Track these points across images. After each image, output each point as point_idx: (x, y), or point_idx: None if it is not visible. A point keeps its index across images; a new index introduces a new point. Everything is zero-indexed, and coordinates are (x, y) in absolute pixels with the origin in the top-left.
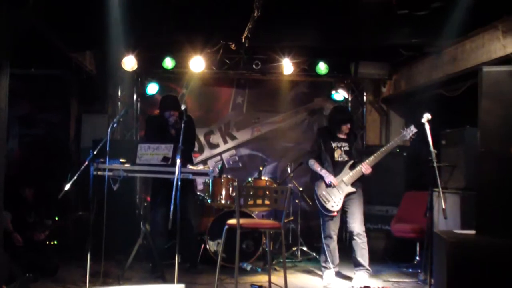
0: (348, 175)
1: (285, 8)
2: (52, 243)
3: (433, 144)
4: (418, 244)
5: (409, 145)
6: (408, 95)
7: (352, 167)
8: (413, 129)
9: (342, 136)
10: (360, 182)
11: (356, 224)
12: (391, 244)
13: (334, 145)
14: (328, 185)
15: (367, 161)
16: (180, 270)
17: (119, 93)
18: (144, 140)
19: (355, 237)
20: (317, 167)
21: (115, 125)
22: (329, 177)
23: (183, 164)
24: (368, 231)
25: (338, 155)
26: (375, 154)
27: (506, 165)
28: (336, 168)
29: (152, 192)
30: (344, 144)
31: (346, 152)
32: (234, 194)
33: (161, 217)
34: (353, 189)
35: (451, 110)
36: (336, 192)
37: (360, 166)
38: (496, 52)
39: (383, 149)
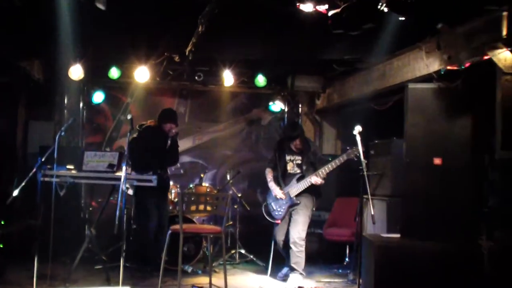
0: (294, 188)
1: (228, 23)
2: None
3: (363, 154)
4: (348, 247)
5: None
6: (340, 108)
7: (299, 180)
8: (357, 149)
9: (295, 149)
10: (310, 192)
11: (294, 233)
12: (323, 247)
13: (288, 158)
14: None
15: (317, 173)
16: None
17: (65, 101)
18: (134, 147)
19: (291, 245)
20: (268, 178)
21: (63, 133)
22: (274, 190)
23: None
24: None
25: (291, 168)
26: (325, 167)
27: (429, 174)
28: (287, 180)
29: (138, 200)
30: (297, 157)
31: (298, 165)
32: (176, 199)
33: (155, 225)
34: (297, 201)
35: (380, 123)
36: (282, 202)
37: (309, 178)
38: (420, 70)
39: (333, 163)
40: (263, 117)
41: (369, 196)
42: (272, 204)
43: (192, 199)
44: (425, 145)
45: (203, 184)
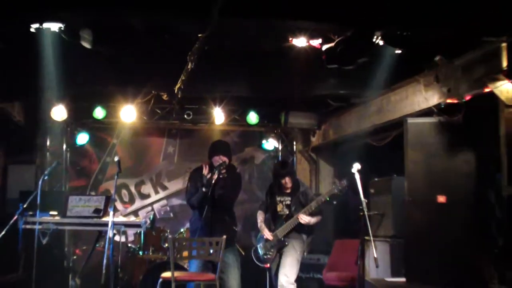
0: (281, 228)
1: (217, 60)
2: None
3: (363, 193)
4: None
5: (340, 194)
6: (337, 144)
7: (287, 219)
8: (344, 183)
9: (285, 190)
10: (299, 232)
11: (281, 276)
12: None
13: (278, 199)
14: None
15: (304, 210)
16: None
17: (48, 143)
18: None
19: None
20: (258, 220)
21: (46, 177)
22: (263, 231)
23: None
24: (300, 280)
25: (280, 209)
26: (309, 206)
27: (432, 213)
28: (277, 222)
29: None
30: (286, 198)
31: (287, 206)
32: (166, 245)
33: None
34: (285, 243)
35: (378, 159)
36: (270, 244)
37: (296, 216)
38: (419, 104)
39: (320, 198)
40: (256, 156)
41: (371, 238)
42: (261, 247)
43: (184, 244)
44: (427, 182)
45: None
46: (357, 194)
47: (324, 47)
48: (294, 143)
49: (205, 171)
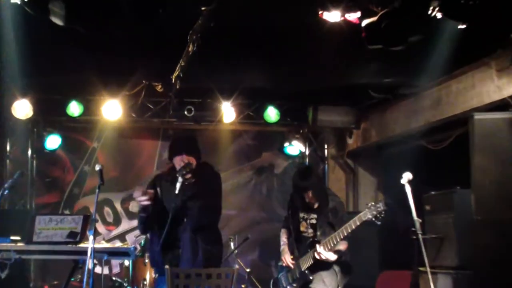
0: (305, 258)
1: (227, 41)
2: None
3: (415, 210)
4: None
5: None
6: (381, 148)
7: (311, 247)
8: (380, 207)
9: (310, 205)
10: (331, 265)
11: None
12: None
13: (301, 215)
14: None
15: (321, 244)
16: None
17: (8, 148)
18: None
19: None
20: (282, 242)
21: (6, 192)
22: (283, 256)
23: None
24: None
25: (304, 229)
26: (332, 236)
27: (508, 237)
28: (301, 245)
29: None
30: (312, 215)
31: (312, 225)
32: None
33: None
34: (309, 278)
35: (435, 167)
36: (291, 275)
37: (313, 251)
38: (489, 95)
39: (341, 231)
40: (276, 163)
41: (428, 269)
42: (282, 278)
43: (185, 278)
44: (500, 196)
45: None
46: (408, 212)
47: (364, 23)
48: (325, 146)
49: (138, 192)
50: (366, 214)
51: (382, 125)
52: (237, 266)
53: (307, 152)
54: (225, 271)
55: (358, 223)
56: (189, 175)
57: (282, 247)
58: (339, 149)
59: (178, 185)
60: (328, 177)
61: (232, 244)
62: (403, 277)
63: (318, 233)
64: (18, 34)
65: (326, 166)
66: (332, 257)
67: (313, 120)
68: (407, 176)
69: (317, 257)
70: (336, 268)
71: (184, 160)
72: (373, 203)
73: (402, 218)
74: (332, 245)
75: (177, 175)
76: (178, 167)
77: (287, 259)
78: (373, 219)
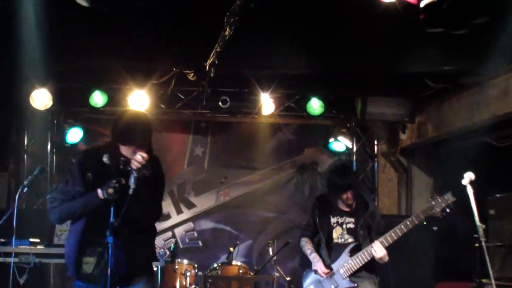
0: (346, 264)
1: (265, 24)
2: None
3: (478, 215)
4: None
5: (440, 216)
6: (439, 145)
7: (354, 252)
8: (449, 198)
9: (345, 207)
10: (370, 272)
11: None
12: None
13: (333, 220)
14: (318, 275)
15: (380, 240)
16: None
17: (25, 142)
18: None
19: None
20: (307, 249)
21: (25, 189)
22: (317, 264)
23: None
24: None
25: (338, 235)
26: (392, 232)
27: None
28: (334, 253)
29: None
30: (348, 219)
31: (349, 230)
32: (193, 287)
33: None
34: (353, 284)
35: (501, 166)
36: (327, 286)
37: (370, 248)
38: None
39: (402, 226)
40: (320, 160)
41: (492, 281)
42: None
43: (220, 284)
44: None
45: (234, 262)
46: (469, 216)
47: (423, 3)
48: (375, 142)
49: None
50: (431, 208)
51: (440, 118)
52: (277, 274)
53: (354, 149)
54: (264, 279)
55: (422, 217)
56: (148, 173)
57: (311, 255)
58: (390, 146)
59: (132, 179)
60: (378, 177)
61: (270, 250)
62: None
63: (360, 234)
64: (39, 18)
65: (376, 164)
66: (386, 257)
67: (361, 112)
68: (468, 176)
69: (374, 254)
70: (375, 279)
71: (145, 157)
72: (437, 196)
73: (462, 223)
74: (390, 241)
75: (131, 174)
76: (126, 155)
77: (322, 267)
78: (442, 213)
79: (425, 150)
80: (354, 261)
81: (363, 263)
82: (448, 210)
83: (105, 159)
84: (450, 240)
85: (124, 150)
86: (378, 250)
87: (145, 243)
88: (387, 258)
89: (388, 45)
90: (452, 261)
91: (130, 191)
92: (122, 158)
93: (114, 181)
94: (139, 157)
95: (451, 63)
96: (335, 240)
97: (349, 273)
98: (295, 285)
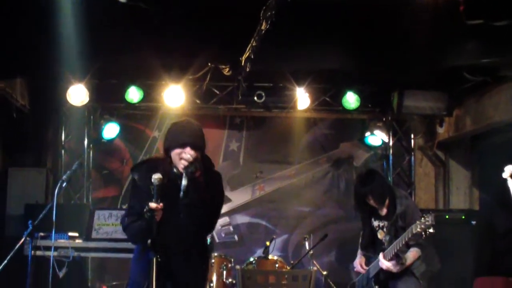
0: (373, 266)
1: (302, 19)
2: None
3: None
4: None
5: (478, 208)
6: (477, 138)
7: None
8: (429, 221)
9: (380, 212)
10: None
11: None
12: None
13: (375, 223)
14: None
15: (384, 254)
16: None
17: (62, 138)
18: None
19: None
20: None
21: (64, 184)
22: (356, 259)
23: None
24: None
25: (382, 237)
26: (393, 247)
27: None
28: (374, 251)
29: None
30: (381, 223)
31: (387, 233)
32: (230, 281)
33: None
34: (375, 286)
35: None
36: (363, 281)
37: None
38: None
39: (401, 240)
40: (356, 154)
41: None
42: (358, 283)
43: (257, 279)
44: None
45: (270, 256)
46: (509, 211)
47: None
48: (412, 136)
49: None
50: (417, 227)
51: (479, 112)
52: (314, 268)
53: (390, 143)
54: (301, 273)
55: (410, 236)
56: (198, 173)
57: (358, 252)
58: (427, 139)
59: (183, 186)
60: (415, 171)
61: (307, 244)
62: (502, 284)
63: (387, 238)
64: (76, 14)
65: (413, 158)
66: (395, 267)
67: (398, 106)
68: (509, 170)
69: (381, 266)
70: (417, 279)
71: (191, 154)
72: (424, 215)
73: (502, 218)
74: (391, 254)
75: (183, 173)
76: (180, 163)
77: (359, 263)
78: (423, 233)
79: (463, 144)
80: (374, 265)
81: (377, 271)
82: (428, 233)
83: (155, 176)
84: (490, 236)
85: (175, 158)
86: (382, 262)
87: (200, 264)
88: (395, 269)
89: (426, 38)
90: (492, 256)
91: (181, 194)
92: (174, 171)
93: (146, 207)
94: (186, 155)
95: (492, 55)
96: (380, 239)
97: (373, 274)
98: (331, 279)
